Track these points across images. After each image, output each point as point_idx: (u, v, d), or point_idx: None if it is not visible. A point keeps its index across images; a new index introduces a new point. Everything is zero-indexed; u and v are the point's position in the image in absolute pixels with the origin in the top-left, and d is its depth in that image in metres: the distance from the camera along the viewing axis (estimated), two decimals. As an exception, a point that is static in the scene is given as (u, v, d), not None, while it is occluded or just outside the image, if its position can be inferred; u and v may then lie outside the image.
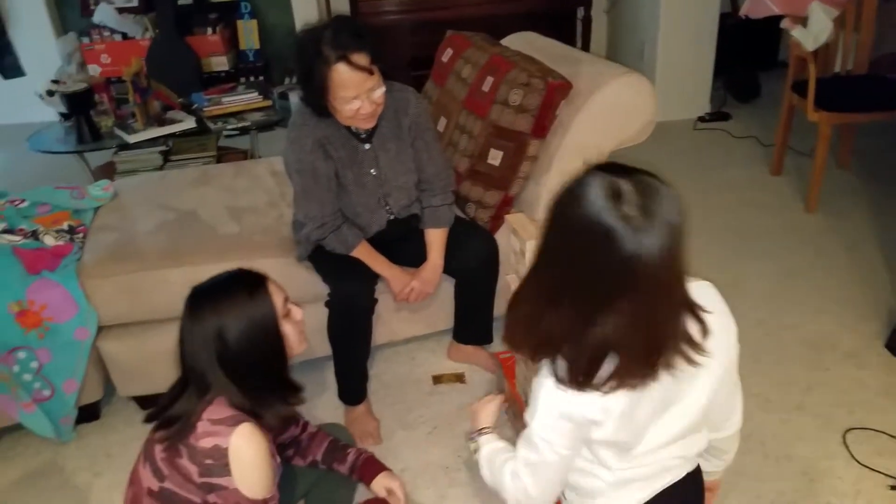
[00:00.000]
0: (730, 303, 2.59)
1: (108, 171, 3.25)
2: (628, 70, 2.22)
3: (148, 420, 1.40)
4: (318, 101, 1.81)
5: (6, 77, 4.29)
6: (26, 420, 2.03)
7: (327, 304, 1.98)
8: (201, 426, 1.30)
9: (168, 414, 1.35)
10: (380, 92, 1.80)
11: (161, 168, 3.20)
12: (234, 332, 1.29)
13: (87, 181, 3.05)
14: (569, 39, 4.30)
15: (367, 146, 1.96)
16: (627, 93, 2.19)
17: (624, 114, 2.20)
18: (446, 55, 2.50)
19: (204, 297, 1.34)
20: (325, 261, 2.03)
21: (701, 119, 4.18)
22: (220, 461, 1.27)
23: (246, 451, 1.28)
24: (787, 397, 2.16)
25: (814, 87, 3.02)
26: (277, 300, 1.35)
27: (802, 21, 3.12)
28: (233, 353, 1.31)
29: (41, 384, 2.04)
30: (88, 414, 2.21)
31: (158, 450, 1.36)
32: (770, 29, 3.99)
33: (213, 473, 1.29)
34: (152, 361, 2.16)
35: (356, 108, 1.79)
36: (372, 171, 1.97)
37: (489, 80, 2.23)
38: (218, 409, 1.32)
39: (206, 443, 1.28)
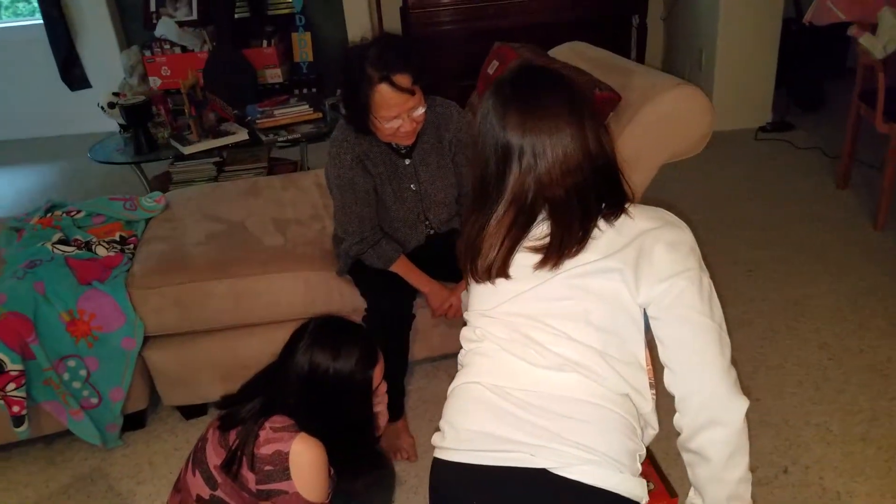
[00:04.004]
0: (791, 324, 2.48)
1: (164, 182, 3.33)
2: (682, 81, 2.14)
3: (219, 407, 1.52)
4: (360, 119, 1.80)
5: (73, 89, 4.47)
6: (74, 427, 2.08)
7: (364, 319, 1.96)
8: (263, 434, 1.38)
9: (234, 413, 1.45)
10: (420, 111, 1.79)
11: (215, 179, 3.27)
12: (331, 378, 1.42)
13: (144, 191, 3.13)
14: (624, 48, 4.21)
15: (407, 161, 1.94)
16: (681, 105, 2.11)
17: (676, 127, 2.13)
18: (492, 67, 2.47)
19: (328, 335, 1.46)
20: (364, 275, 2.02)
21: (762, 129, 4.02)
22: (279, 466, 1.35)
23: (306, 456, 1.36)
24: (851, 428, 2.03)
25: (883, 98, 2.86)
26: (377, 377, 1.49)
27: (871, 28, 2.97)
28: (320, 393, 1.43)
29: (89, 392, 2.09)
30: (135, 422, 2.25)
31: (213, 456, 1.40)
32: (837, 34, 3.81)
33: (272, 479, 1.35)
34: (197, 371, 2.19)
35: (396, 127, 1.78)
36: (412, 186, 1.95)
37: (535, 92, 2.18)
38: (280, 419, 1.40)
39: (266, 450, 1.36)
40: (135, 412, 2.23)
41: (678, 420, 1.13)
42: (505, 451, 1.05)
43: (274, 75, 4.14)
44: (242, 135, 3.20)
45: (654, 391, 1.15)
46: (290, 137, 3.18)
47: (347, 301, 2.10)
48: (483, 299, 1.19)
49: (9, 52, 4.65)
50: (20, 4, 4.99)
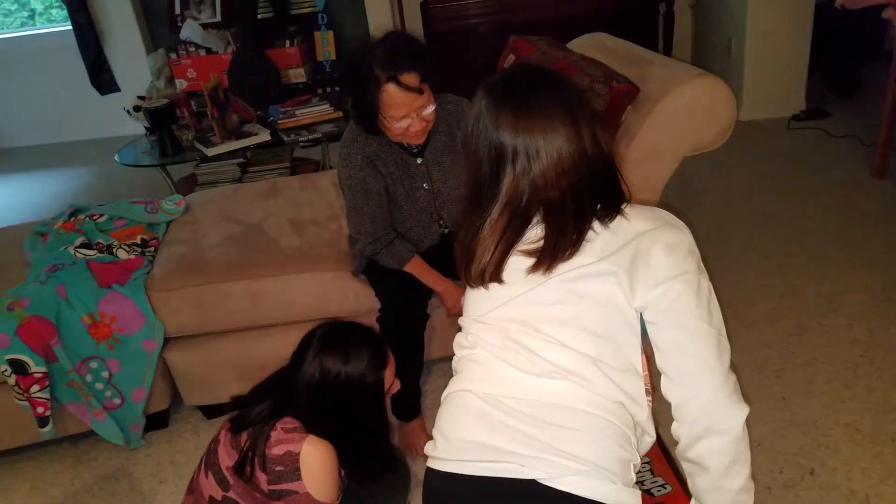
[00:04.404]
0: (822, 319, 2.40)
1: (190, 183, 3.37)
2: (702, 72, 2.09)
3: (229, 408, 1.54)
4: (369, 119, 1.79)
5: (103, 93, 4.56)
6: (98, 427, 2.12)
7: (378, 320, 1.95)
8: (275, 435, 1.40)
9: (245, 415, 1.47)
10: (430, 110, 1.77)
11: (239, 179, 3.30)
12: (343, 382, 1.43)
13: (170, 193, 3.17)
14: (651, 37, 4.12)
15: (419, 161, 1.92)
16: (701, 96, 2.06)
17: (697, 119, 2.07)
18: (508, 62, 2.43)
19: (336, 340, 1.48)
20: (379, 275, 2.01)
21: (795, 117, 3.89)
22: (290, 466, 1.36)
23: (316, 457, 1.38)
24: (882, 427, 1.95)
25: (921, 82, 2.75)
26: (388, 377, 1.51)
27: (908, 9, 2.86)
28: (332, 398, 1.44)
29: (112, 392, 2.12)
30: (158, 422, 2.29)
31: (225, 457, 1.41)
32: (874, 16, 3.67)
33: (283, 479, 1.36)
34: (217, 372, 2.21)
35: (405, 127, 1.76)
36: (424, 185, 1.94)
37: (551, 86, 2.14)
38: (292, 420, 1.42)
39: (278, 450, 1.38)
40: (157, 412, 2.26)
41: (675, 429, 1.09)
42: (495, 461, 1.02)
43: (297, 75, 4.16)
44: (264, 135, 3.22)
45: (650, 398, 1.11)
46: (310, 137, 3.19)
47: (363, 301, 2.09)
48: (477, 304, 1.17)
49: (41, 59, 4.77)
50: (54, 11, 5.10)
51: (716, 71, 2.10)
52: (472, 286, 1.16)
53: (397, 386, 1.56)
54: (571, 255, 1.06)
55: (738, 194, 3.26)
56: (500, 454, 1.03)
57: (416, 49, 1.74)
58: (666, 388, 1.07)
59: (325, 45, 4.27)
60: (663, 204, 2.20)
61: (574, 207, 1.06)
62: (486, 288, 1.13)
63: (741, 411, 1.06)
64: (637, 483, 1.74)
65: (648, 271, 1.04)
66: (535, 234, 1.09)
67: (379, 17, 4.15)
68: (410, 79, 1.69)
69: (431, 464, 1.12)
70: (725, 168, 3.45)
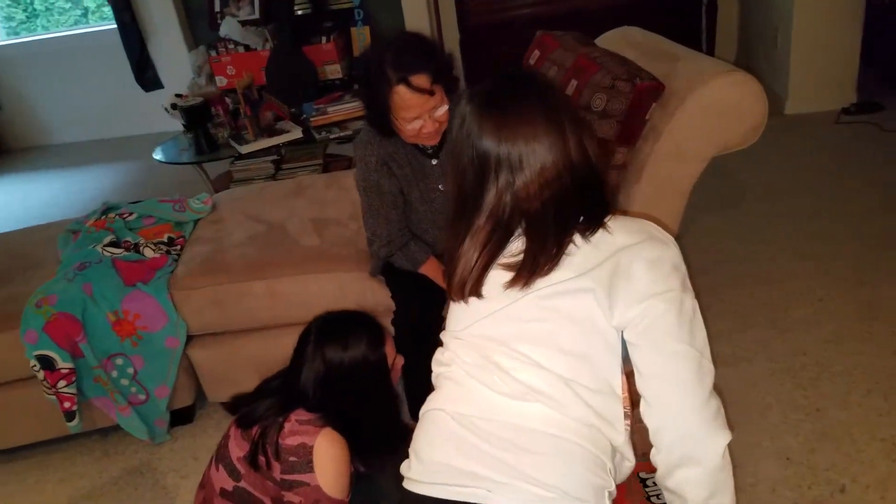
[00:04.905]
0: (862, 326, 2.29)
1: (226, 180, 3.42)
2: (732, 68, 2.00)
3: (232, 410, 1.58)
4: (382, 121, 1.78)
5: (147, 90, 4.67)
6: (123, 422, 2.17)
7: (393, 322, 1.94)
8: (289, 426, 1.42)
9: (253, 411, 1.51)
10: (442, 110, 1.74)
11: (273, 176, 3.33)
12: (347, 368, 1.46)
13: (209, 191, 3.22)
14: (694, 28, 3.99)
15: (434, 161, 1.90)
16: (729, 93, 1.97)
17: (725, 117, 1.99)
18: (534, 57, 2.38)
19: (332, 330, 1.52)
20: (395, 276, 2.00)
21: (845, 111, 3.70)
22: (304, 458, 1.38)
23: (330, 452, 1.39)
24: (921, 443, 1.85)
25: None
26: (390, 353, 1.54)
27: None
28: (341, 385, 1.47)
29: (137, 388, 2.17)
30: (183, 417, 2.33)
31: (236, 449, 1.44)
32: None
33: (295, 470, 1.39)
34: (239, 369, 2.24)
35: (418, 128, 1.74)
36: (440, 186, 1.91)
37: (573, 83, 2.09)
38: (305, 413, 1.45)
39: (292, 441, 1.40)
40: (182, 408, 2.30)
41: (653, 455, 1.04)
42: (464, 485, 1.00)
43: (334, 71, 4.16)
44: (297, 133, 3.24)
45: (628, 421, 1.06)
46: (341, 134, 3.20)
47: (380, 301, 2.08)
48: (457, 319, 1.14)
49: (90, 56, 4.91)
50: (106, 9, 5.23)
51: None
52: (453, 299, 1.14)
53: (401, 361, 1.59)
54: (550, 269, 1.02)
55: (780, 192, 3.13)
56: (469, 478, 1.00)
57: (427, 50, 1.72)
58: (644, 411, 1.02)
59: (362, 41, 4.27)
60: (695, 201, 2.13)
61: (556, 219, 1.02)
62: (466, 302, 1.10)
63: (721, 439, 1.00)
64: (652, 497, 1.69)
65: (629, 288, 0.99)
66: (516, 247, 1.06)
67: (415, 12, 4.13)
68: (421, 80, 1.67)
69: (406, 484, 1.10)
70: (768, 164, 3.32)
